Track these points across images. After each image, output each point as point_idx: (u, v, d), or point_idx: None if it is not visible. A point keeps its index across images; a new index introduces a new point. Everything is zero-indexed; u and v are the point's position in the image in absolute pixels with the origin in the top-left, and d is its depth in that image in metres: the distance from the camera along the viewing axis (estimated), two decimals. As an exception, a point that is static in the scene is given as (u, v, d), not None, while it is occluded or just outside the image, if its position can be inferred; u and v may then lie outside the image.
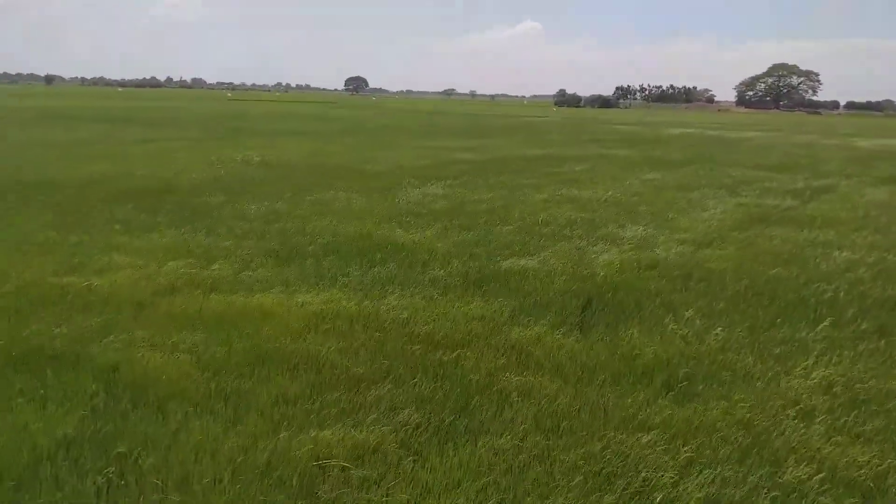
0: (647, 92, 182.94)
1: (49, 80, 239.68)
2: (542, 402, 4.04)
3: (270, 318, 5.27)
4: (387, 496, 3.12)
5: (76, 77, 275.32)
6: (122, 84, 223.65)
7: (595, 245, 8.22)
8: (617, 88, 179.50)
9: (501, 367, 4.52)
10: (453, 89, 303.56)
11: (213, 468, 3.24)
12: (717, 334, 5.29)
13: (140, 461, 3.27)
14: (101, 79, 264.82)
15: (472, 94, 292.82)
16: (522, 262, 7.29)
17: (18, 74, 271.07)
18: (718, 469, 3.42)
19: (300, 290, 6.01)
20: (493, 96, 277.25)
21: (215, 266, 6.66)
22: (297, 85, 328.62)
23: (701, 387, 4.36)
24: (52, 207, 9.31)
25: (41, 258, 6.70)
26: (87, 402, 3.81)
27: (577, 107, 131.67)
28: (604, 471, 3.36)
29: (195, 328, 4.97)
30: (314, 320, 5.24)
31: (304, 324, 5.16)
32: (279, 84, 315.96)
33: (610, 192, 12.66)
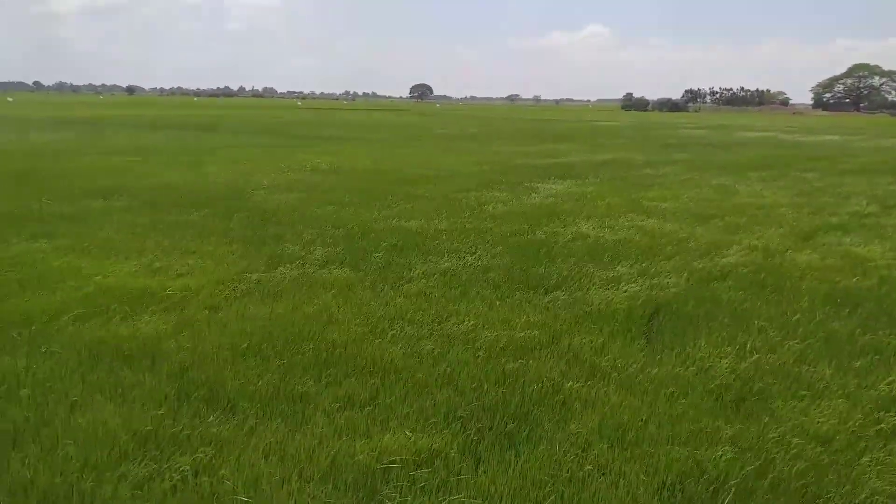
0: (717, 95, 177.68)
1: (130, 90, 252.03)
2: (607, 413, 3.97)
3: (336, 322, 5.37)
4: (447, 502, 3.13)
5: (156, 87, 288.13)
6: (199, 94, 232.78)
7: (663, 250, 8.03)
8: (686, 91, 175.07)
9: (564, 376, 4.47)
10: (517, 95, 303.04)
11: (281, 470, 3.32)
12: (791, 346, 5.08)
13: (213, 460, 3.38)
14: (179, 89, 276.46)
15: (537, 100, 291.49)
16: (586, 267, 7.19)
17: (103, 85, 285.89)
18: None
19: (365, 294, 6.10)
20: (557, 101, 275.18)
21: (283, 270, 6.84)
22: (363, 93, 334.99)
23: (774, 401, 4.19)
24: (132, 213, 9.75)
25: (123, 261, 7.03)
26: (161, 400, 3.97)
27: (644, 110, 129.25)
28: (670, 484, 3.28)
29: (264, 331, 5.11)
30: (379, 324, 5.32)
31: (368, 329, 5.23)
32: (347, 92, 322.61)
33: (679, 198, 12.35)
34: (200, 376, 4.30)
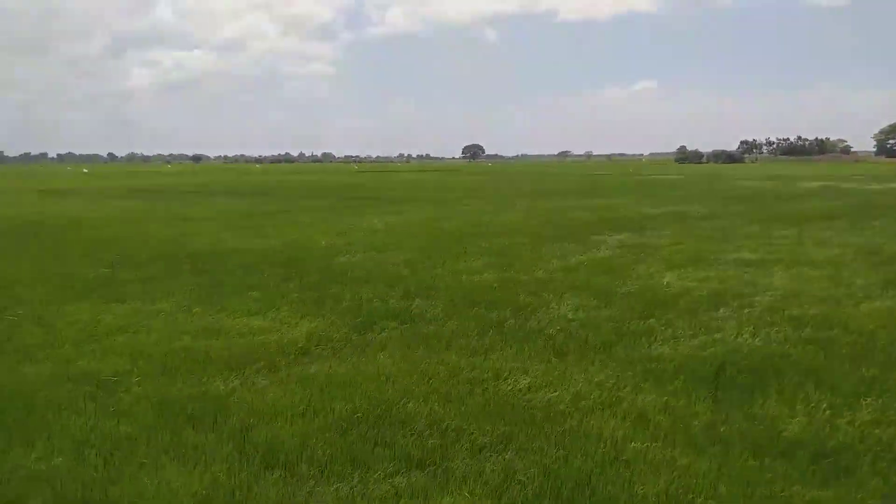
0: (773, 145, 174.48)
1: (196, 158, 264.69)
2: (674, 475, 3.81)
3: (392, 380, 5.37)
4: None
5: (220, 155, 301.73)
6: (259, 160, 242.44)
7: (725, 305, 7.80)
8: (742, 142, 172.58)
9: (627, 437, 4.33)
10: (568, 151, 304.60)
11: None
12: (868, 404, 4.80)
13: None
14: (242, 156, 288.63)
15: (588, 155, 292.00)
16: (646, 322, 7.04)
17: (171, 154, 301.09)
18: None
19: (419, 352, 6.09)
20: (609, 156, 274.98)
21: (339, 329, 6.92)
22: (417, 155, 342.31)
23: (852, 463, 3.95)
24: (196, 276, 10.08)
25: (185, 322, 7.25)
26: (221, 461, 4.01)
27: (699, 163, 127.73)
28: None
29: (322, 390, 5.14)
30: (434, 383, 5.29)
31: (424, 388, 5.21)
32: (401, 155, 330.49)
33: (741, 250, 12.05)
34: (260, 437, 4.34)
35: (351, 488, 3.70)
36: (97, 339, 6.64)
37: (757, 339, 6.44)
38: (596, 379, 5.38)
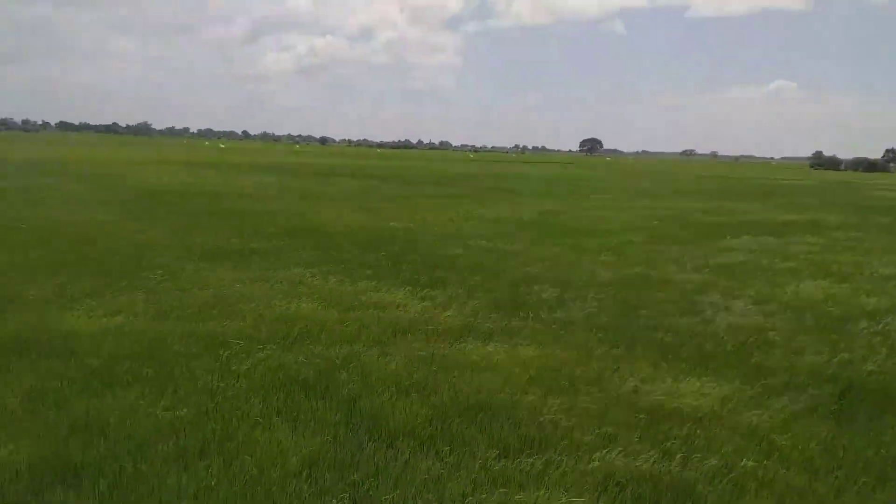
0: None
1: (323, 140, 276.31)
2: (787, 497, 3.60)
3: (494, 368, 5.40)
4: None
5: (344, 138, 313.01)
6: (381, 146, 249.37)
7: (858, 322, 7.22)
8: (887, 151, 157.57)
9: (738, 452, 4.12)
10: (692, 150, 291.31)
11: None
12: None
13: (371, 491, 3.51)
14: (365, 140, 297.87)
15: (714, 155, 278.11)
16: (767, 336, 6.66)
17: (299, 135, 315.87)
18: None
19: (524, 343, 6.09)
20: (736, 157, 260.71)
21: (448, 313, 7.03)
22: (532, 147, 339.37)
23: None
24: (318, 250, 10.55)
25: (305, 294, 7.61)
26: (330, 428, 4.20)
27: (836, 170, 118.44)
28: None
29: (426, 371, 5.26)
30: (536, 375, 5.27)
31: (526, 378, 5.20)
32: (516, 146, 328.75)
33: (871, 263, 11.10)
34: (366, 407, 4.50)
35: (445, 467, 3.76)
36: (225, 303, 7.11)
37: (892, 361, 5.94)
38: (705, 389, 5.16)
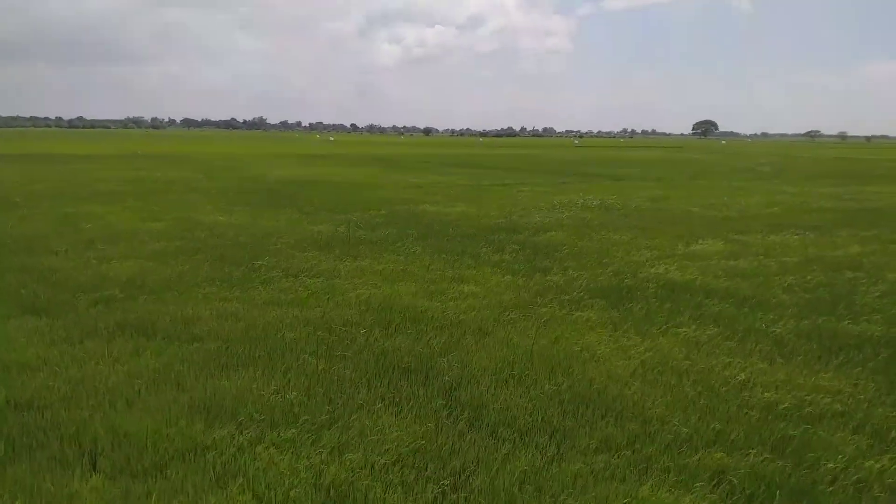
0: None
1: (427, 131, 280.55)
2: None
3: (597, 359, 5.30)
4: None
5: (448, 128, 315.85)
6: (484, 134, 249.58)
7: None
8: None
9: (861, 453, 3.84)
10: (817, 131, 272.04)
11: (538, 500, 3.36)
12: None
13: (471, 479, 3.54)
14: (468, 130, 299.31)
15: (843, 136, 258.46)
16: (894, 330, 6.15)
17: (404, 127, 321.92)
18: None
19: (628, 335, 5.93)
20: (868, 138, 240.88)
21: (548, 303, 6.96)
22: (642, 131, 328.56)
23: None
24: (421, 240, 10.71)
25: (406, 283, 7.77)
26: (432, 415, 4.27)
27: None
28: None
29: (525, 360, 5.24)
30: (640, 368, 5.12)
31: (630, 370, 5.07)
32: (624, 130, 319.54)
33: None
34: (466, 396, 4.55)
35: (546, 459, 3.74)
36: (332, 290, 7.38)
37: None
38: (825, 385, 4.83)
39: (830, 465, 3.70)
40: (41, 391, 4.56)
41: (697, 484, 3.51)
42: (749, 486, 3.48)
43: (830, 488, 3.48)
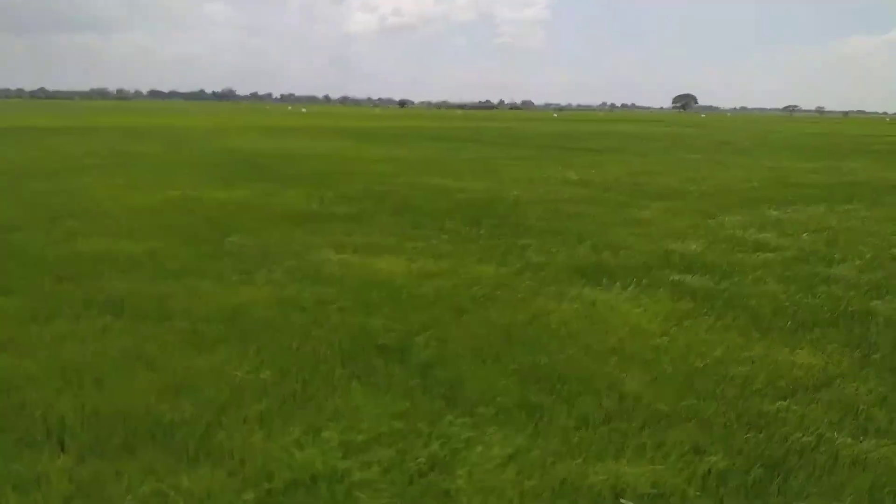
0: None
1: (402, 103, 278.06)
2: (883, 474, 3.37)
3: (575, 336, 5.29)
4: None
5: (424, 101, 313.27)
6: (463, 106, 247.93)
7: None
8: None
9: (832, 427, 3.89)
10: (796, 106, 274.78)
11: (515, 481, 3.34)
12: None
13: (447, 459, 3.51)
14: (445, 102, 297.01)
15: (820, 111, 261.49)
16: (872, 303, 6.22)
17: (379, 99, 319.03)
18: None
19: (606, 311, 5.93)
20: (846, 113, 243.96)
21: (525, 279, 6.93)
22: (621, 104, 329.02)
23: None
24: (396, 215, 10.62)
25: (385, 258, 7.69)
26: (407, 393, 4.22)
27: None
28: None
29: (504, 337, 5.21)
30: (619, 345, 5.12)
31: (608, 347, 5.07)
32: (603, 104, 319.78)
33: None
34: (442, 375, 4.51)
35: (525, 438, 3.72)
36: (307, 267, 7.27)
37: None
38: (801, 361, 4.88)
39: (797, 435, 3.75)
40: (7, 371, 4.44)
41: (673, 458, 3.52)
42: (723, 462, 3.49)
43: (796, 458, 3.54)
